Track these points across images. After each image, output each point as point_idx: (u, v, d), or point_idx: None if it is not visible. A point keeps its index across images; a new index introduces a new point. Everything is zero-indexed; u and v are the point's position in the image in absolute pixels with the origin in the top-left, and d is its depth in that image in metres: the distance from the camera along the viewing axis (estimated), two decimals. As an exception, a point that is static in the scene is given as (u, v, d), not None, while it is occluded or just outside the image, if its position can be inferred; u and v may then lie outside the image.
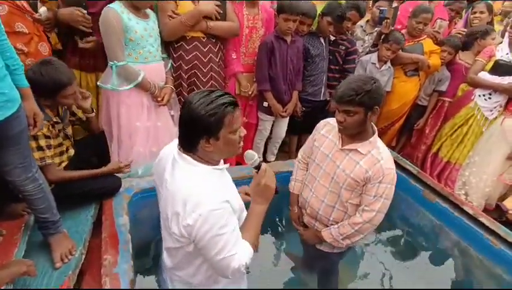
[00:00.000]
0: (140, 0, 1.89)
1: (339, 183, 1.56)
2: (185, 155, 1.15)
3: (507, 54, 2.60)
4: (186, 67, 2.22)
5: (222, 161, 1.27)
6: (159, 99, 2.08)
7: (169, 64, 2.22)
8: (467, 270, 2.21)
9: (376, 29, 2.87)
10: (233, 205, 1.15)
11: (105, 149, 2.13)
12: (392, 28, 2.72)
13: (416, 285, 2.09)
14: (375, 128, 1.58)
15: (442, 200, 2.41)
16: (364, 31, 2.94)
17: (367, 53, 2.91)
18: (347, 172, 1.52)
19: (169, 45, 2.21)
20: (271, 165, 2.51)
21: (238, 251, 1.14)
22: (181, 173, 1.15)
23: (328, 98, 2.77)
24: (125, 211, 1.86)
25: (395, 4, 3.08)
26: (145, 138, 2.13)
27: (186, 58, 2.19)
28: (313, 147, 1.72)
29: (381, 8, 2.69)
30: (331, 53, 2.69)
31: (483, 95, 2.70)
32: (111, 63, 1.91)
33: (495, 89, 2.62)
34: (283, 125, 2.76)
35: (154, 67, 2.04)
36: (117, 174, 1.91)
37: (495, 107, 2.67)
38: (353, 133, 1.52)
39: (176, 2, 2.07)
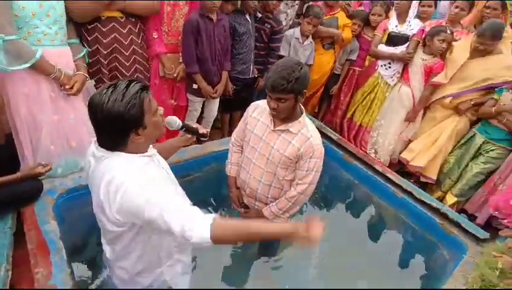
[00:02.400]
0: None
1: (275, 162, 1.66)
2: (104, 150, 1.11)
3: (396, 26, 2.98)
4: (105, 52, 1.99)
5: (151, 146, 1.24)
6: (67, 87, 1.80)
7: (84, 51, 1.93)
8: (379, 218, 2.64)
9: (297, 1, 2.95)
10: None
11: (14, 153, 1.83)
12: (312, 3, 2.83)
13: (341, 235, 2.41)
14: (303, 108, 1.69)
15: (359, 162, 2.80)
16: (287, 4, 3.00)
17: (290, 26, 3.01)
18: (281, 151, 1.63)
19: (80, 26, 1.92)
20: (205, 146, 2.56)
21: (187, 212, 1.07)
22: (105, 163, 1.11)
23: (256, 76, 2.82)
24: (51, 216, 1.69)
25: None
26: (54, 133, 1.87)
27: (104, 41, 1.96)
28: (246, 130, 1.77)
29: None
30: (257, 30, 2.70)
31: (384, 65, 3.07)
32: None
33: (392, 59, 3.00)
34: (214, 104, 2.74)
35: (52, 53, 1.72)
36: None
37: (394, 74, 3.07)
38: (285, 116, 1.61)
39: None
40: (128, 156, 1.12)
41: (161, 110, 1.15)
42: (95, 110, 1.03)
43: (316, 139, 1.63)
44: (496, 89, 2.63)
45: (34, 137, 1.83)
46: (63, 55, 1.81)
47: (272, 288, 2.02)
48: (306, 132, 1.62)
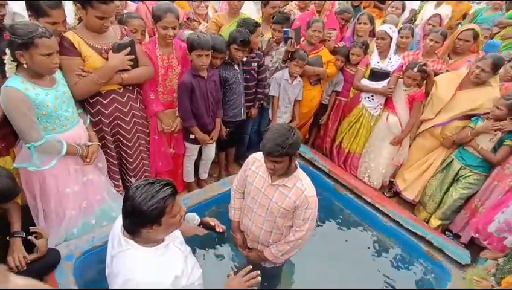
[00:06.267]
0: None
1: (274, 213, 1.85)
2: (128, 239, 1.28)
3: (378, 62, 3.17)
4: (108, 121, 2.15)
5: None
6: (87, 160, 1.99)
7: (88, 120, 2.10)
8: (372, 244, 2.81)
9: (281, 45, 3.14)
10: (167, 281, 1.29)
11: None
12: (297, 47, 3.02)
13: (332, 260, 2.54)
14: (297, 163, 1.85)
15: (349, 192, 3.00)
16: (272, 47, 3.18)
17: (276, 68, 3.19)
18: (279, 204, 1.81)
19: (83, 100, 2.08)
20: (207, 190, 2.73)
21: None
22: (123, 255, 1.27)
23: (246, 114, 3.03)
24: (72, 282, 1.85)
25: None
26: (76, 200, 2.06)
27: (106, 112, 2.12)
28: (246, 182, 1.95)
29: (285, 30, 2.94)
30: (246, 72, 2.87)
31: (368, 97, 3.27)
32: (28, 145, 1.74)
33: (374, 93, 3.20)
34: (211, 147, 2.92)
35: (75, 132, 1.92)
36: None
37: (377, 106, 3.27)
38: (281, 173, 1.78)
39: (81, 58, 1.93)
40: (143, 252, 1.28)
41: (182, 211, 1.31)
42: (127, 200, 1.21)
43: (310, 191, 1.79)
44: (472, 118, 2.82)
45: (60, 208, 2.02)
46: (81, 131, 1.99)
47: (272, 288, 2.12)
48: (300, 185, 1.79)
